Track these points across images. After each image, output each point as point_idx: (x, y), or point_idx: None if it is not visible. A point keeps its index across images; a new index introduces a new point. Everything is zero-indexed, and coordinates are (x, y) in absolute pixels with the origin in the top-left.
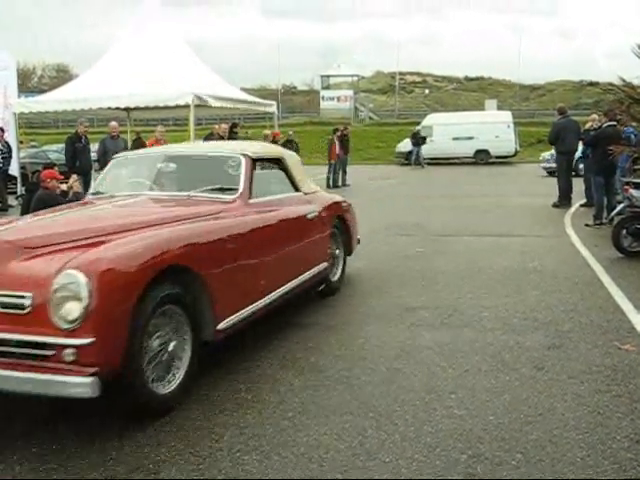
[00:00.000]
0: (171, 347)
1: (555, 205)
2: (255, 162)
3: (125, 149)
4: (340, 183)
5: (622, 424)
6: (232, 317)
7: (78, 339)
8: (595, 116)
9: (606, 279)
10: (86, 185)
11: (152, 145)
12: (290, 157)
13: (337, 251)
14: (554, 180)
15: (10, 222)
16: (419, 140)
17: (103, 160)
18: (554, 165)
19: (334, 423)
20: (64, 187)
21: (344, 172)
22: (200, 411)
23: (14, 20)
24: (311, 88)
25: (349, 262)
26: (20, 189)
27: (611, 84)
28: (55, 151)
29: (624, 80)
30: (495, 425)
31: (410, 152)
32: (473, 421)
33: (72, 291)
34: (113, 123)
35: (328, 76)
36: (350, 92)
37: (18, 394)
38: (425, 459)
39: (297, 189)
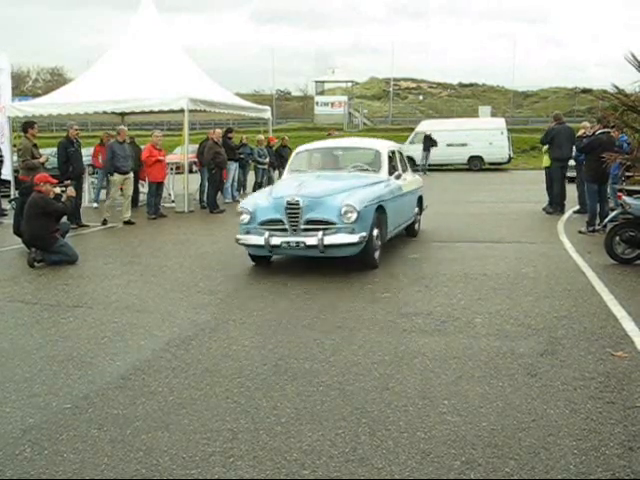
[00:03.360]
0: None
1: (548, 212)
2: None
3: (132, 153)
4: None
5: (615, 431)
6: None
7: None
8: (587, 123)
9: (599, 286)
10: (79, 189)
11: (151, 150)
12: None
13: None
14: None
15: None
16: (429, 144)
17: (110, 164)
18: None
19: (327, 429)
20: (57, 190)
21: None
22: (193, 416)
23: (8, 22)
24: (305, 94)
25: (335, 267)
26: (13, 192)
27: (605, 92)
28: (49, 155)
29: (618, 87)
30: (488, 431)
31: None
32: (466, 427)
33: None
34: (122, 127)
35: (322, 82)
36: (344, 98)
37: None
38: (418, 465)
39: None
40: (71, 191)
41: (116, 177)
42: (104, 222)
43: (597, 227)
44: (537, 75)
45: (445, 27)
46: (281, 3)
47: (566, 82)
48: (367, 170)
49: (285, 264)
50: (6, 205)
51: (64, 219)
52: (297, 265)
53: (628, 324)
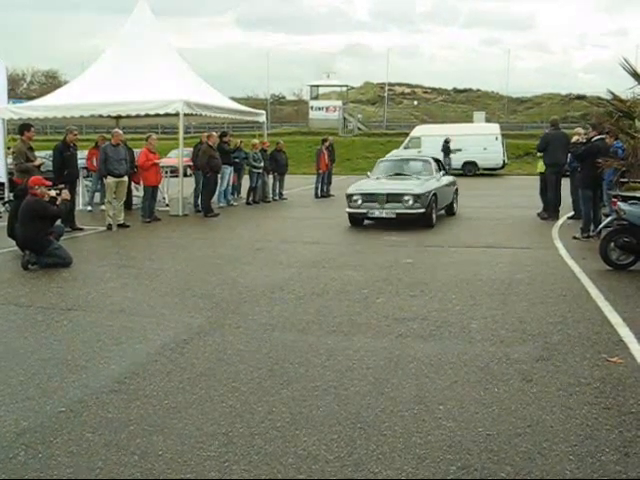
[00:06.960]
0: None
1: (543, 217)
2: None
3: (126, 156)
4: (326, 194)
5: (611, 436)
6: None
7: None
8: (580, 129)
9: (594, 291)
10: (73, 192)
11: (147, 154)
12: None
13: None
14: None
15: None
16: (448, 150)
17: (104, 167)
18: None
19: (323, 434)
20: (52, 193)
21: (329, 183)
22: (188, 420)
23: (3, 25)
24: (300, 98)
25: (329, 272)
26: (8, 195)
27: (599, 98)
28: (44, 157)
29: (614, 93)
30: (484, 437)
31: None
32: (462, 432)
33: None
34: (117, 130)
35: (317, 86)
36: (339, 102)
37: None
38: (414, 470)
39: None
40: (66, 194)
41: (109, 180)
42: (109, 227)
43: (592, 233)
44: (530, 81)
45: (438, 34)
46: (272, 8)
47: (557, 88)
48: None
49: (279, 268)
50: (0, 208)
51: (58, 222)
52: (291, 270)
53: (623, 330)
